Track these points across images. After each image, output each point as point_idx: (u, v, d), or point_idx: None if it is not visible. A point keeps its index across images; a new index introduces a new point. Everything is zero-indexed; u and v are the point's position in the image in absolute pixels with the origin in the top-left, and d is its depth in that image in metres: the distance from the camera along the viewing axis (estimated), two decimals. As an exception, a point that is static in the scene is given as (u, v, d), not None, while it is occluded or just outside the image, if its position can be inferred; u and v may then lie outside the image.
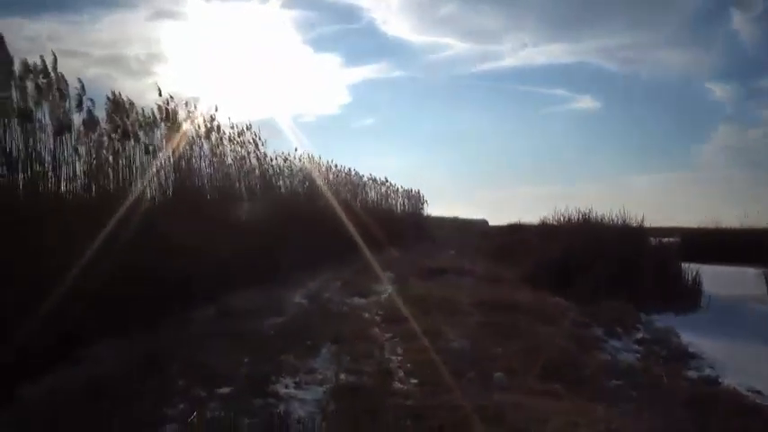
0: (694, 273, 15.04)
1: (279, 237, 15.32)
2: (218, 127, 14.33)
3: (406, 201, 35.28)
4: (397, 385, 6.41)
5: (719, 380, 7.53)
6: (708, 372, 8.01)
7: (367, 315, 10.38)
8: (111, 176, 9.82)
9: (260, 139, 16.97)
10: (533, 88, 76.79)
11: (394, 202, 33.11)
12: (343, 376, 6.56)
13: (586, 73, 70.68)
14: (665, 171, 79.75)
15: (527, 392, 6.27)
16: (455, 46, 71.92)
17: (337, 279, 14.94)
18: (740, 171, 77.51)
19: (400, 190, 33.91)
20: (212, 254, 11.24)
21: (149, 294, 8.87)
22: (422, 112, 77.33)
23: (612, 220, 17.60)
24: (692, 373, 7.93)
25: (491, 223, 55.34)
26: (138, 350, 7.31)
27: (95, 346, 7.27)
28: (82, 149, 9.03)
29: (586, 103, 77.46)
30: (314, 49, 61.48)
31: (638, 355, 9.06)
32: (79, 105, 8.84)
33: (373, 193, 29.73)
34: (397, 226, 30.46)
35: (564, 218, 19.55)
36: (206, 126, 13.72)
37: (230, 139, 15.10)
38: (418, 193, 37.34)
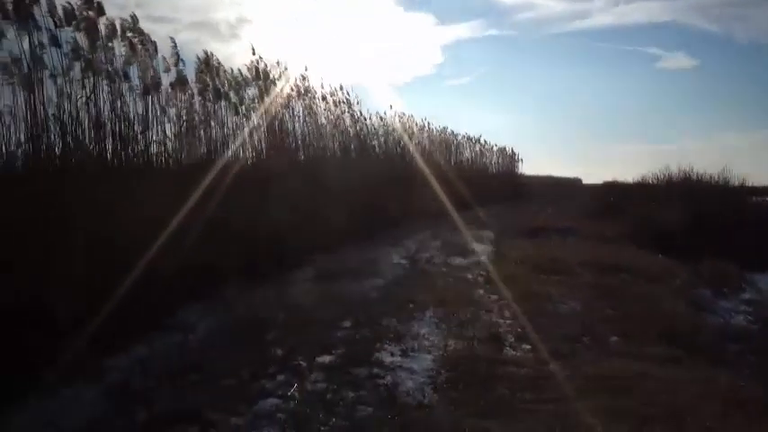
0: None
1: (375, 196, 14.93)
2: (311, 87, 13.95)
3: (500, 159, 34.52)
4: (509, 352, 5.91)
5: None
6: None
7: (470, 276, 9.86)
8: (203, 138, 9.51)
9: (355, 98, 16.56)
10: (626, 46, 74.62)
11: (488, 160, 32.39)
12: (451, 343, 6.08)
13: (680, 31, 68.31)
14: (763, 128, 76.87)
15: (647, 359, 5.73)
16: (547, 4, 70.07)
17: (435, 238, 14.40)
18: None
19: (494, 148, 33.16)
20: (308, 214, 10.92)
21: (245, 257, 8.62)
22: (515, 70, 75.94)
23: (714, 179, 16.82)
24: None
25: (584, 182, 54.34)
26: (234, 316, 7.01)
27: (188, 312, 7.00)
28: (171, 111, 8.73)
29: (681, 61, 75.03)
30: (405, 8, 60.30)
31: (750, 318, 8.63)
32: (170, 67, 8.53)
33: (468, 151, 29.09)
34: (492, 184, 29.92)
35: (665, 176, 18.72)
36: (298, 86, 13.34)
37: (323, 99, 14.68)
38: (512, 151, 36.55)
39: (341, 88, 15.79)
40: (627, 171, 68.25)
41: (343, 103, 15.85)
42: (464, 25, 75.79)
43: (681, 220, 14.85)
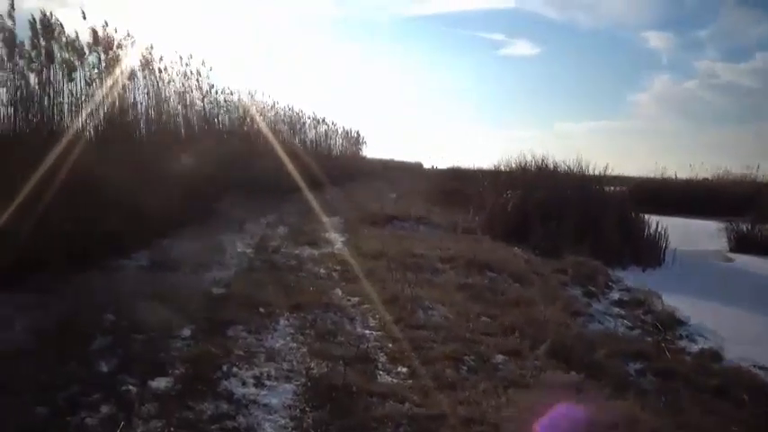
0: (656, 225, 13.75)
1: (218, 177, 13.62)
2: (158, 58, 12.51)
3: (344, 141, 33.55)
4: (385, 379, 4.81)
5: (720, 353, 6.68)
6: (704, 343, 7.19)
7: (323, 271, 8.70)
8: (37, 108, 8.05)
9: (201, 72, 15.17)
10: (470, 31, 75.10)
11: (333, 142, 31.33)
12: (314, 365, 4.91)
13: (523, 17, 69.28)
14: (601, 119, 79.34)
15: (546, 386, 4.79)
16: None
17: (283, 224, 13.14)
18: (674, 122, 77.69)
19: (339, 130, 32.13)
20: (145, 196, 9.53)
21: (69, 242, 7.26)
22: (360, 51, 74.66)
23: (570, 169, 16.33)
24: (689, 345, 7.09)
25: (425, 166, 54.19)
26: (51, 313, 5.63)
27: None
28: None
29: (523, 48, 76.18)
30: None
31: (628, 323, 8.01)
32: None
33: (313, 132, 27.93)
34: (336, 166, 28.91)
35: (520, 164, 18.12)
36: (143, 56, 11.88)
37: (166, 70, 13.22)
38: (357, 133, 35.64)
39: (188, 58, 14.33)
40: (468, 157, 68.81)
41: (191, 75, 14.42)
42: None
43: (538, 211, 14.19)
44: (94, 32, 9.77)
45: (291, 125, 24.61)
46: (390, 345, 5.56)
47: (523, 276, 9.32)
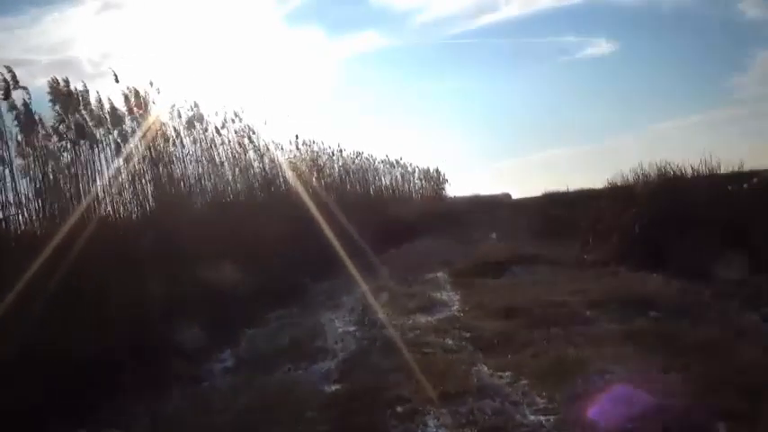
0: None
1: (292, 245, 13.02)
2: (201, 115, 12.01)
3: (424, 182, 32.84)
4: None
5: None
6: None
7: (450, 342, 7.92)
8: (67, 192, 7.52)
9: (252, 130, 14.65)
10: (539, 39, 74.00)
11: (411, 185, 30.64)
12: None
13: (596, 12, 67.74)
14: (700, 111, 76.97)
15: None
16: (444, 3, 68.53)
17: (380, 290, 12.38)
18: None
19: (416, 171, 31.42)
20: (217, 283, 9.00)
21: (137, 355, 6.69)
22: (422, 81, 73.98)
23: (696, 172, 15.27)
24: None
25: (515, 196, 53.14)
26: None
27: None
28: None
29: (601, 47, 74.64)
30: (289, 25, 58.00)
31: None
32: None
33: (387, 177, 27.28)
34: (418, 211, 28.21)
35: (637, 177, 17.06)
36: (186, 116, 11.40)
37: (217, 131, 12.73)
38: (437, 171, 34.90)
39: (236, 115, 13.83)
40: (559, 179, 67.31)
41: (243, 132, 13.90)
42: (357, 38, 73.70)
43: (669, 230, 13.21)
44: (128, 97, 9.27)
45: (363, 172, 23.95)
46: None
47: (689, 310, 8.39)
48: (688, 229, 12.67)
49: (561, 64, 74.42)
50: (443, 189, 35.96)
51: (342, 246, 14.62)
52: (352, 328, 9.29)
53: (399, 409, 5.56)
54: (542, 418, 5.14)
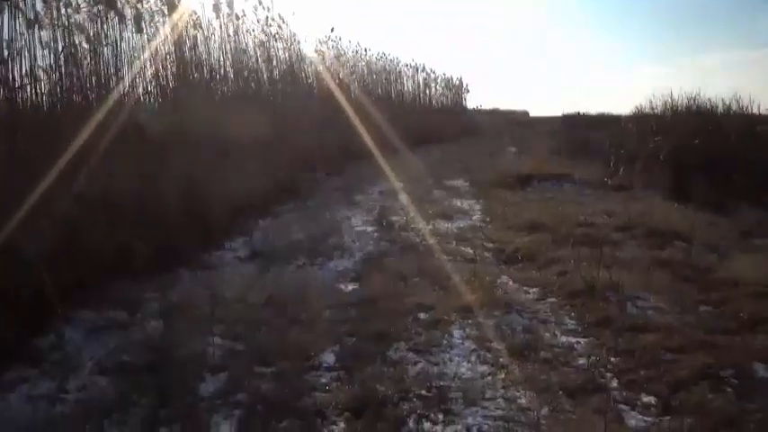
0: None
1: (311, 143, 12.65)
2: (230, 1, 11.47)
3: (445, 90, 32.11)
4: (633, 420, 3.67)
5: None
6: None
7: (472, 251, 7.57)
8: (90, 68, 7.08)
9: (284, 18, 14.11)
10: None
11: (433, 91, 29.95)
12: (529, 404, 3.78)
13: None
14: (736, 48, 75.37)
15: None
16: None
17: (398, 192, 12.00)
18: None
19: (439, 78, 30.69)
20: (233, 170, 8.65)
21: (151, 233, 6.41)
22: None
23: (729, 108, 14.79)
24: None
25: (532, 114, 52.50)
26: (135, 346, 4.64)
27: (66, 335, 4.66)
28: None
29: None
30: None
31: None
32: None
33: (410, 82, 26.64)
34: (439, 120, 27.72)
35: (667, 106, 16.51)
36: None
37: (244, 16, 12.19)
38: (460, 81, 34.10)
39: (261, 4, 13.25)
40: (584, 101, 66.49)
41: (273, 22, 13.36)
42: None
43: (697, 162, 12.81)
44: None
45: (386, 75, 23.33)
46: (613, 359, 4.40)
47: (719, 245, 8.03)
48: (714, 163, 12.30)
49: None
50: (464, 99, 35.17)
51: (360, 144, 14.29)
52: (369, 229, 8.96)
53: (422, 315, 5.25)
54: (573, 339, 4.82)
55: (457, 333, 4.88)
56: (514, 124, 41.70)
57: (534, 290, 6.02)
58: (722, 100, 14.81)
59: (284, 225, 9.09)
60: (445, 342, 4.71)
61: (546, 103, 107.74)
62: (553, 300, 5.72)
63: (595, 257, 6.67)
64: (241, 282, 6.32)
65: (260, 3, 13.14)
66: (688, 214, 9.66)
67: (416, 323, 5.07)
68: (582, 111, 28.36)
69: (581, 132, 23.92)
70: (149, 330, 4.93)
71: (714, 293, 5.92)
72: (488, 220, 9.44)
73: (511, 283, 6.25)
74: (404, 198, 11.20)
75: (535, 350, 4.53)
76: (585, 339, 4.81)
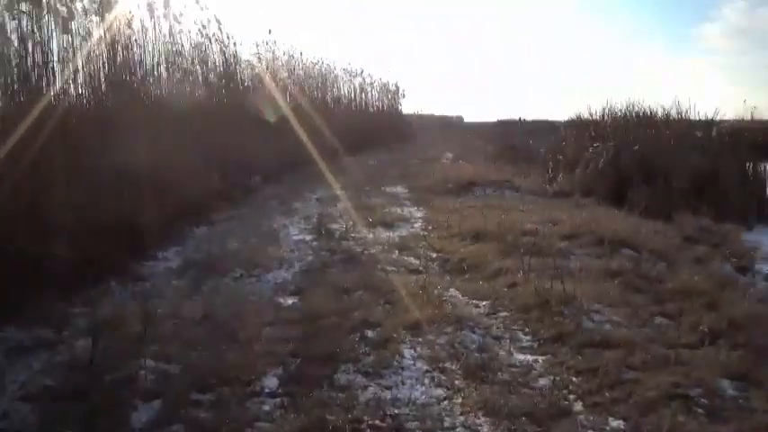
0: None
1: (249, 147, 12.27)
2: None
3: (382, 95, 31.79)
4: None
5: None
6: None
7: (416, 262, 7.27)
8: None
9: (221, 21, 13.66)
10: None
11: (369, 96, 29.59)
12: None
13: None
14: (665, 56, 76.82)
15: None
16: None
17: (336, 200, 11.63)
18: (752, 55, 74.75)
19: (376, 83, 30.36)
20: (165, 174, 8.25)
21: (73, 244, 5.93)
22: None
23: (668, 114, 14.78)
24: None
25: (466, 119, 52.54)
26: (55, 371, 4.21)
27: None
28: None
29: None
30: None
31: None
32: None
33: (347, 87, 26.30)
34: (375, 125, 27.44)
35: (606, 113, 16.47)
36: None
37: (181, 16, 11.73)
38: (396, 86, 33.79)
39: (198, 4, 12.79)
40: (515, 108, 66.93)
41: (209, 23, 12.95)
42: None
43: (637, 168, 12.75)
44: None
45: (323, 79, 22.94)
46: (575, 379, 4.13)
47: (666, 253, 7.87)
48: (655, 170, 12.24)
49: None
50: (400, 104, 34.86)
51: (296, 151, 13.93)
52: (308, 237, 8.59)
53: (370, 333, 4.91)
54: (530, 357, 4.53)
55: (408, 353, 4.55)
56: (450, 129, 41.60)
57: (484, 303, 5.72)
58: (662, 106, 14.81)
59: (220, 233, 8.69)
60: (396, 363, 4.37)
61: (480, 109, 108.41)
62: (505, 314, 5.43)
63: (544, 268, 6.46)
64: (175, 295, 5.94)
65: (197, 3, 12.73)
66: (632, 221, 9.55)
67: (364, 342, 4.72)
68: (518, 117, 28.32)
69: (518, 138, 23.92)
70: (77, 350, 4.50)
71: (669, 304, 5.73)
72: (431, 228, 9.13)
73: (460, 296, 5.94)
74: (343, 205, 10.85)
75: (492, 371, 4.23)
76: (543, 357, 4.53)
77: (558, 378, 4.14)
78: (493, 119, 39.01)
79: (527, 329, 5.06)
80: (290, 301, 5.85)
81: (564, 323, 5.05)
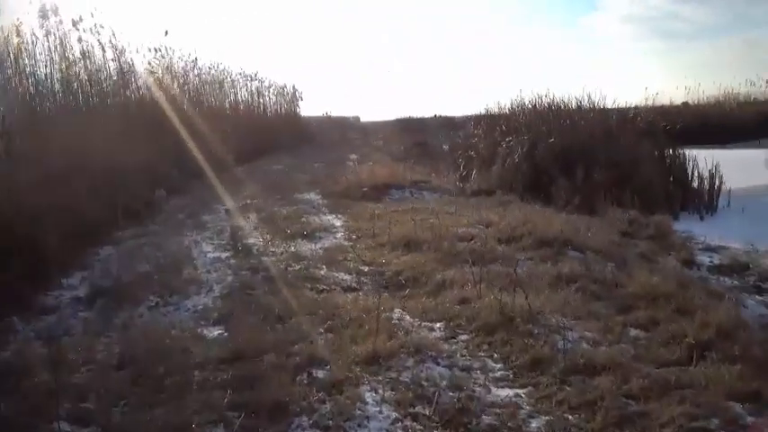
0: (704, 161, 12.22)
1: (146, 155, 11.39)
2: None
3: (279, 98, 30.97)
4: None
5: None
6: None
7: (347, 277, 6.55)
8: None
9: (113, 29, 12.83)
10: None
11: (266, 100, 28.75)
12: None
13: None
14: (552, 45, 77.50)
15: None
16: None
17: (246, 209, 10.78)
18: (646, 43, 76.15)
19: (273, 87, 29.51)
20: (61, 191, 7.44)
21: None
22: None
23: (580, 104, 14.42)
24: None
25: (363, 119, 51.95)
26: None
27: None
28: None
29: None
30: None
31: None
32: None
33: (244, 91, 25.42)
34: (276, 129, 26.68)
35: (515, 105, 16.01)
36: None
37: (74, 25, 10.91)
38: (293, 88, 32.99)
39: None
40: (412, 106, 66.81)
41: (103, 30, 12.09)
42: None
43: (554, 161, 12.28)
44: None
45: (219, 85, 22.04)
46: (571, 417, 3.49)
47: (610, 252, 7.38)
48: (573, 162, 11.80)
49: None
50: (298, 107, 34.07)
51: (199, 158, 13.09)
52: (224, 255, 7.75)
53: (320, 373, 4.13)
54: (510, 392, 3.85)
55: (369, 396, 3.79)
56: (349, 130, 40.93)
57: (438, 325, 5.02)
58: (574, 96, 14.44)
59: (127, 254, 7.81)
60: (359, 412, 3.62)
61: (376, 108, 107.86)
62: (465, 337, 4.75)
63: (493, 277, 5.81)
64: (84, 332, 5.13)
65: (92, 14, 11.87)
66: (563, 219, 9.00)
67: (315, 385, 3.93)
68: (416, 115, 27.86)
69: (420, 136, 23.39)
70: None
71: (637, 312, 5.26)
72: (355, 237, 8.42)
73: (408, 317, 5.22)
74: (255, 216, 10.06)
75: (473, 414, 3.54)
76: (524, 390, 3.86)
77: (552, 418, 3.47)
78: (391, 117, 38.35)
79: (495, 355, 4.39)
80: (215, 332, 5.06)
81: (536, 346, 4.39)
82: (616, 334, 4.72)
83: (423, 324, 5.04)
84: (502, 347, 4.46)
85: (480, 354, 4.44)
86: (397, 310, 5.36)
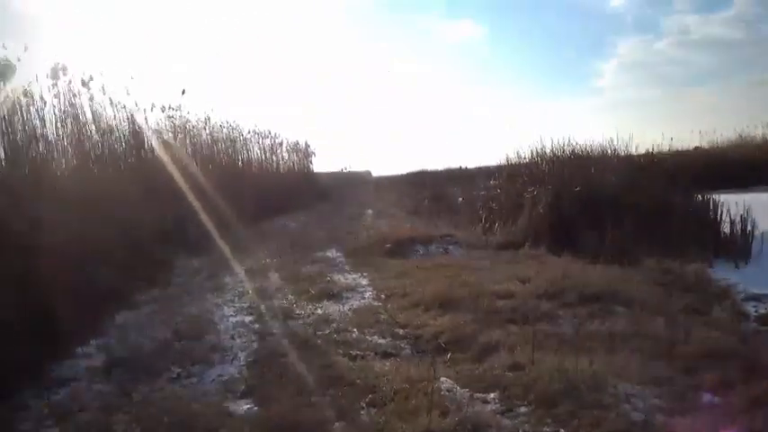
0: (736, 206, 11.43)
1: (158, 217, 11.04)
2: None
3: (293, 155, 30.73)
4: None
5: None
6: None
7: (382, 341, 6.08)
8: None
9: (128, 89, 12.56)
10: (403, 14, 72.84)
11: (279, 157, 28.49)
12: None
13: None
14: (565, 98, 77.65)
15: None
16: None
17: (265, 269, 10.35)
18: (648, 90, 76.28)
19: (285, 143, 29.27)
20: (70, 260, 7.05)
21: None
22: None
23: (604, 151, 14.03)
24: None
25: (374, 174, 51.93)
26: None
27: None
28: None
29: (468, 28, 74.22)
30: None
31: None
32: None
33: (257, 149, 25.15)
34: (289, 186, 26.40)
35: (536, 154, 15.60)
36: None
37: (84, 84, 10.64)
38: (306, 144, 32.76)
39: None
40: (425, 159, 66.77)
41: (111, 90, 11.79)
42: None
43: (581, 210, 11.83)
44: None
45: (231, 143, 21.74)
46: None
47: (657, 306, 6.87)
48: (600, 211, 11.33)
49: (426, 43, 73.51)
50: (311, 162, 33.85)
51: (213, 217, 12.69)
52: (247, 319, 7.30)
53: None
54: None
55: None
56: (361, 184, 40.78)
57: (492, 395, 4.51)
58: (598, 144, 14.08)
59: (145, 320, 7.39)
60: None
61: (387, 162, 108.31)
62: (525, 409, 4.23)
63: (539, 338, 5.33)
64: (101, 408, 4.65)
65: (101, 73, 11.59)
66: (600, 271, 8.52)
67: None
68: (429, 168, 27.60)
69: (434, 189, 23.07)
70: None
71: (703, 373, 4.65)
72: (384, 296, 7.93)
73: (457, 387, 4.71)
74: (276, 276, 9.61)
75: None
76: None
77: None
78: (403, 171, 38.21)
79: (561, 431, 3.88)
80: (244, 407, 4.59)
81: (609, 418, 3.89)
82: (686, 400, 4.22)
83: (474, 395, 4.53)
84: (569, 421, 3.96)
85: (546, 430, 3.93)
86: (442, 378, 4.85)
